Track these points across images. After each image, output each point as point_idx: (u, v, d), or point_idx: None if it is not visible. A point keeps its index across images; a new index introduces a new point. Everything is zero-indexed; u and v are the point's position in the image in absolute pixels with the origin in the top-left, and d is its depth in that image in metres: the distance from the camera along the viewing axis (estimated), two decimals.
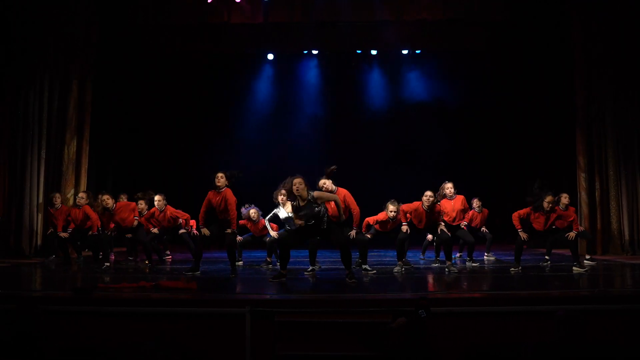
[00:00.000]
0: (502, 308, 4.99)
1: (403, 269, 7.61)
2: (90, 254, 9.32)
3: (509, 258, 9.67)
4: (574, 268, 7.46)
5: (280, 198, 8.45)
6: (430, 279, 7.05)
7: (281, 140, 14.15)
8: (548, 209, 7.77)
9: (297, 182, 6.39)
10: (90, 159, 10.94)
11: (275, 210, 8.70)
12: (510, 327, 4.88)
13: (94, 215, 8.76)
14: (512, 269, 7.61)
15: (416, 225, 7.81)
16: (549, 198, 7.74)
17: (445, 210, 8.28)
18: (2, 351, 3.62)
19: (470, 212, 9.21)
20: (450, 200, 8.48)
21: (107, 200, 8.64)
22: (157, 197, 8.90)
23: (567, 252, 8.46)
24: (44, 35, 10.52)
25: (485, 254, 9.70)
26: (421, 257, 9.70)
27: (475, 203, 9.42)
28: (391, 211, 8.26)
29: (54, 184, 10.37)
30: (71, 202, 10.08)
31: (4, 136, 10.26)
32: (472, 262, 8.60)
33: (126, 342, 3.23)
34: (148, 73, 13.47)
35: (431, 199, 7.65)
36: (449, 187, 8.53)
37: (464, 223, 8.72)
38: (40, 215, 10.35)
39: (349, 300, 5.20)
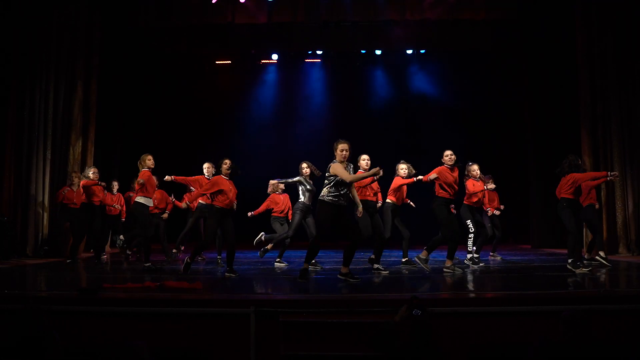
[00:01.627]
0: (507, 308, 4.95)
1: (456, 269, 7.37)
2: (91, 254, 9.40)
3: (515, 258, 9.64)
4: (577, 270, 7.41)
5: (305, 170, 8.24)
6: (435, 279, 7.03)
7: (285, 139, 14.19)
8: (567, 169, 7.30)
9: (348, 147, 6.37)
10: (96, 160, 10.98)
11: (297, 179, 8.30)
12: (515, 327, 4.85)
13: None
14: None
15: (450, 193, 7.33)
16: (570, 157, 7.41)
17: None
18: (7, 351, 3.63)
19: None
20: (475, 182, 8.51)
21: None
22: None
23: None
24: (48, 37, 10.57)
25: (491, 253, 9.63)
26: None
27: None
28: (401, 169, 8.08)
29: (59, 185, 10.39)
30: None
31: (10, 137, 10.30)
32: (473, 263, 8.48)
33: (114, 342, 3.23)
34: (152, 74, 13.53)
35: (452, 156, 7.36)
36: (475, 169, 8.48)
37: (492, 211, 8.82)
38: (46, 216, 10.39)
39: (354, 300, 5.19)
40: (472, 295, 5.59)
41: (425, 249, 7.43)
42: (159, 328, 4.95)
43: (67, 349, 3.96)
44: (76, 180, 9.18)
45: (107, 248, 10.56)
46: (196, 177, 8.96)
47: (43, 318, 3.87)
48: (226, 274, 7.15)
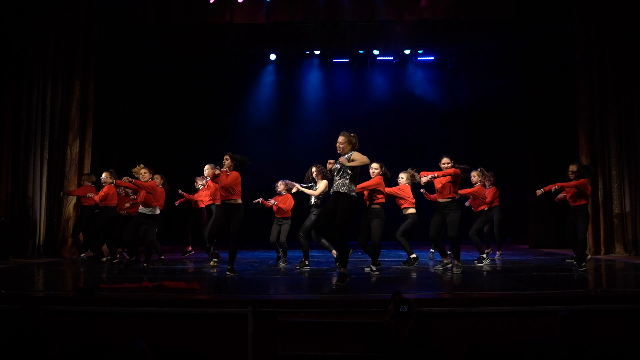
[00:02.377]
0: (505, 308, 4.96)
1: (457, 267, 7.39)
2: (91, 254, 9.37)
3: (513, 258, 9.65)
4: (573, 268, 7.48)
5: (314, 174, 8.28)
6: (434, 278, 7.04)
7: (283, 140, 14.17)
8: (572, 178, 7.58)
9: (341, 140, 6.31)
10: (93, 160, 10.93)
11: (310, 185, 8.37)
12: (513, 327, 4.86)
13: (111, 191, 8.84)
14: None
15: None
16: (572, 167, 7.64)
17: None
18: (5, 351, 3.63)
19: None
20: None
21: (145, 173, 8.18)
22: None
23: (570, 251, 8.45)
24: (45, 37, 10.53)
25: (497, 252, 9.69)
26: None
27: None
28: (401, 177, 8.25)
29: (57, 185, 10.37)
30: (71, 209, 10.31)
31: (7, 137, 10.26)
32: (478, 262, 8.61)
33: (115, 342, 3.25)
34: (150, 73, 13.50)
35: (448, 164, 7.40)
36: (474, 175, 8.75)
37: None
38: (43, 216, 10.35)
39: (352, 300, 5.18)
40: (469, 295, 5.59)
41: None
42: (157, 328, 4.93)
43: (65, 349, 3.96)
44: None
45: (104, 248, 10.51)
46: (199, 193, 9.66)
47: (41, 318, 3.86)
48: (227, 273, 7.17)
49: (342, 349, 4.74)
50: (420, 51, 13.75)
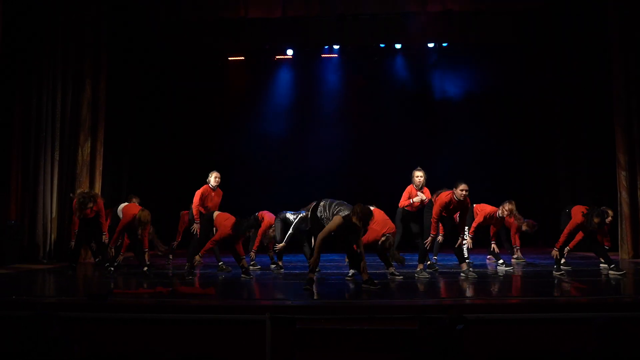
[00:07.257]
0: (537, 315, 4.84)
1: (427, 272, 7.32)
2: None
3: (545, 262, 9.32)
4: (610, 272, 7.20)
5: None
6: (457, 284, 6.80)
7: (300, 137, 13.94)
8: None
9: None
10: (105, 161, 10.83)
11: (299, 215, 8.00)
12: (545, 335, 4.73)
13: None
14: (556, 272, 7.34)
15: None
16: (596, 219, 7.43)
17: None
18: (20, 357, 3.60)
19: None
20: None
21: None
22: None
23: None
24: (54, 34, 10.41)
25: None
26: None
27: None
28: (417, 176, 7.97)
29: (68, 187, 10.22)
30: None
31: (17, 138, 10.13)
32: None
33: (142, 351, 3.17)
34: (163, 71, 13.37)
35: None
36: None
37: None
38: (54, 219, 10.21)
39: (373, 306, 5.09)
40: (500, 301, 5.41)
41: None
42: (172, 334, 4.87)
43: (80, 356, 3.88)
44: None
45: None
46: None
47: (56, 324, 3.78)
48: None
49: (364, 357, 4.64)
50: (444, 44, 13.41)
